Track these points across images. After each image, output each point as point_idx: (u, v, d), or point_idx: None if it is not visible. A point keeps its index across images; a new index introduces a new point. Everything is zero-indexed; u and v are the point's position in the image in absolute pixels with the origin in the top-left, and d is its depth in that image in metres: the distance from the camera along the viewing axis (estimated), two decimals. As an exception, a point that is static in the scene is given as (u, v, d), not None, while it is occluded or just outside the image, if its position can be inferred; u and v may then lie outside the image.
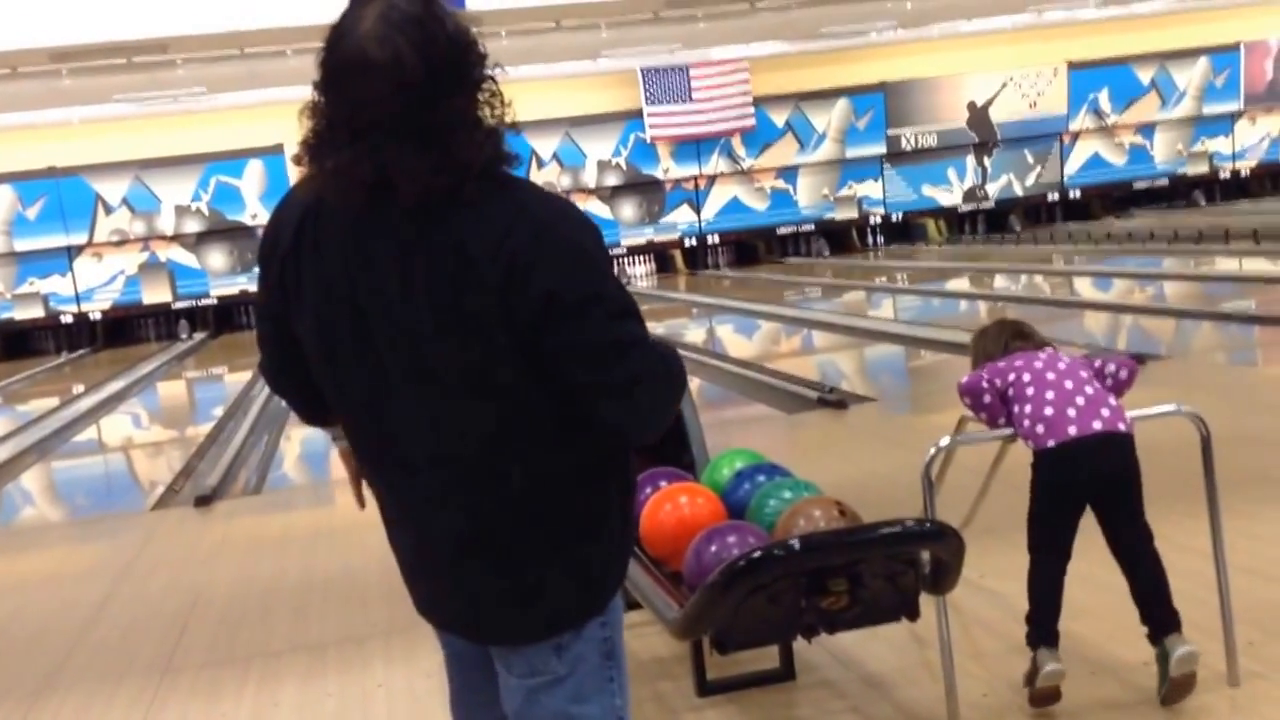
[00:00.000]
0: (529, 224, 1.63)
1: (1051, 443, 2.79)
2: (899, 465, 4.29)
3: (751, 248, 19.96)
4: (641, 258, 19.77)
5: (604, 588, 1.83)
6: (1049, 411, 2.81)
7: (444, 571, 1.81)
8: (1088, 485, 2.82)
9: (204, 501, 6.38)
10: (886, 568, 2.59)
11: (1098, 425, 2.79)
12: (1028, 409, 2.85)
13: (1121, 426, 2.82)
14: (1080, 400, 2.82)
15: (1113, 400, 2.87)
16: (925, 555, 2.68)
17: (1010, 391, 2.91)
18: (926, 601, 2.80)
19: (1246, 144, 20.97)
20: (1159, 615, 2.81)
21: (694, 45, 17.73)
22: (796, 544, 2.52)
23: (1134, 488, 2.85)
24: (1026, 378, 2.89)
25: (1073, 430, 2.78)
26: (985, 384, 2.93)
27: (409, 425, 1.74)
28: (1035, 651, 2.84)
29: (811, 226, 19.91)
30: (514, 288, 1.61)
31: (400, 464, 1.78)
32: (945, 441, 3.00)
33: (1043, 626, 2.84)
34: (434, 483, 1.75)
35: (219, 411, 10.06)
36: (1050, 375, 2.88)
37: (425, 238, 1.65)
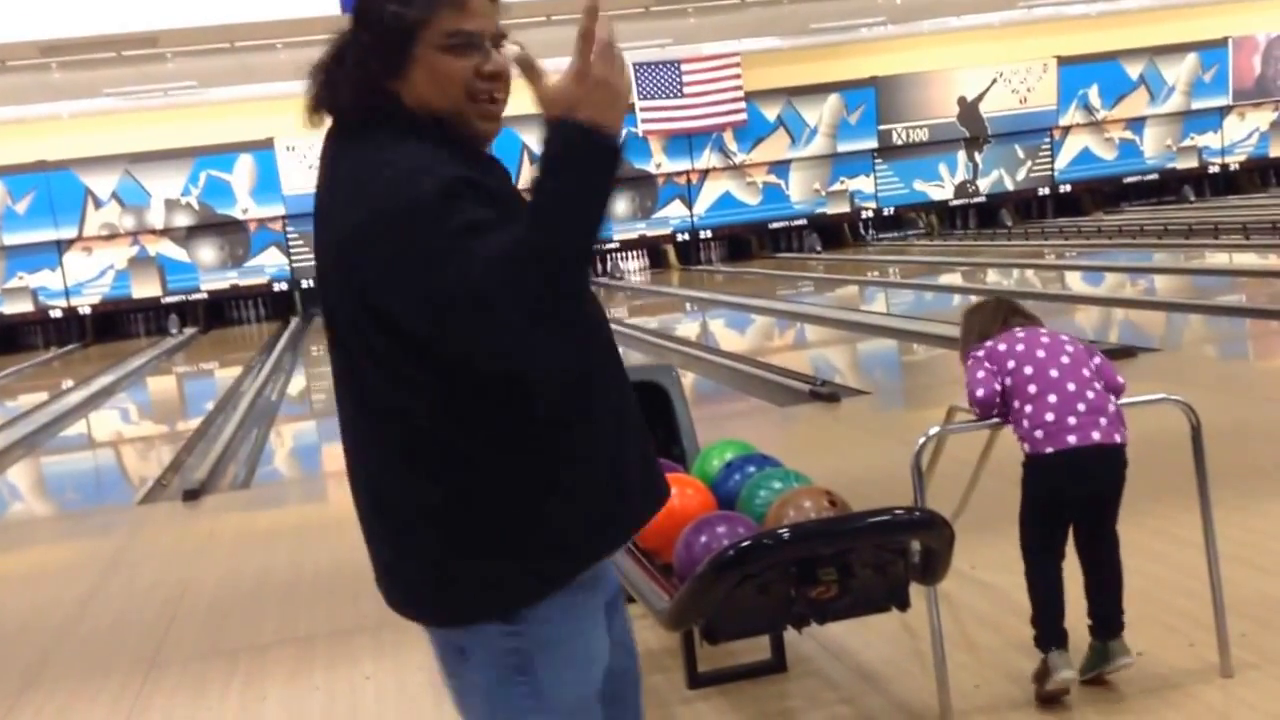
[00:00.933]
0: (349, 178, 1.58)
1: (1049, 450, 2.75)
2: (891, 458, 4.27)
3: (744, 242, 19.97)
4: (634, 253, 19.78)
5: (498, 590, 1.59)
6: (1050, 417, 2.75)
7: (368, 541, 1.72)
8: (1078, 496, 2.80)
9: (192, 496, 6.34)
10: (876, 557, 2.57)
11: (1096, 436, 2.74)
12: (1028, 410, 2.78)
13: (1118, 438, 2.77)
14: (1081, 407, 2.75)
15: (1112, 406, 2.80)
16: (915, 545, 2.66)
17: (1008, 381, 2.82)
18: (917, 592, 2.79)
19: (1235, 139, 21.04)
20: (1110, 617, 2.82)
21: (685, 40, 17.70)
22: (785, 533, 2.50)
23: (1118, 501, 2.84)
24: (1029, 370, 2.80)
25: (1072, 439, 2.73)
26: (998, 386, 2.82)
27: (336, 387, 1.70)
28: (1046, 654, 2.81)
29: (804, 221, 19.92)
30: (330, 245, 1.60)
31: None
32: (935, 430, 2.99)
33: (1049, 628, 2.82)
34: (347, 448, 1.69)
35: (208, 406, 10.01)
36: (1054, 372, 2.79)
37: (323, 176, 1.66)
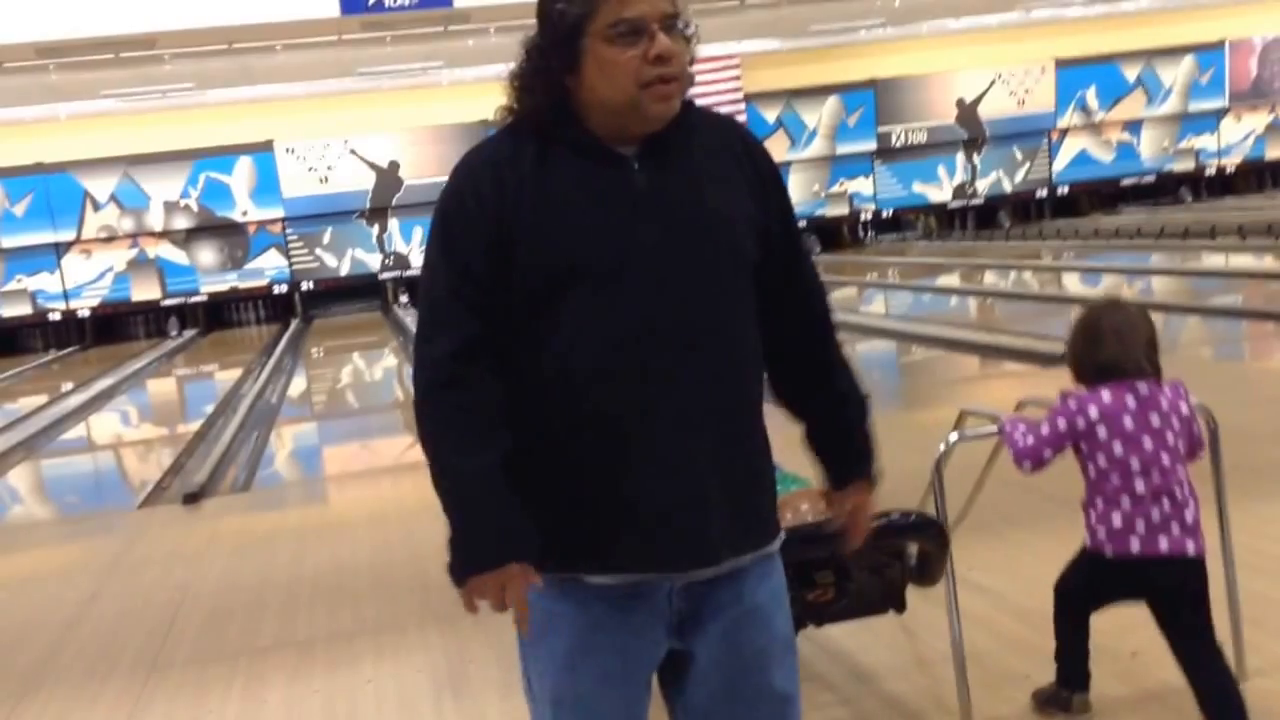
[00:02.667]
0: None
1: (1109, 554, 2.61)
2: (890, 460, 4.26)
3: (742, 244, 19.96)
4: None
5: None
6: (1117, 523, 2.58)
7: None
8: (1134, 595, 2.66)
9: (192, 499, 6.35)
10: (873, 560, 2.59)
11: (1164, 546, 2.56)
12: (1098, 502, 2.61)
13: (1190, 549, 2.56)
14: (1156, 515, 2.56)
15: (1192, 506, 2.59)
16: (912, 548, 2.68)
17: (1089, 452, 2.60)
18: (928, 596, 2.80)
19: (1232, 141, 21.08)
20: None
21: (684, 41, 17.71)
22: (783, 535, 2.51)
23: (1194, 603, 2.60)
24: (1117, 454, 2.56)
25: (1135, 547, 2.57)
26: (1050, 455, 2.65)
27: None
28: (1072, 695, 2.75)
29: (803, 223, 19.87)
30: None
31: None
32: (955, 438, 2.94)
33: (1071, 670, 2.76)
34: None
35: (208, 409, 10.02)
36: (1148, 477, 2.55)
37: None
